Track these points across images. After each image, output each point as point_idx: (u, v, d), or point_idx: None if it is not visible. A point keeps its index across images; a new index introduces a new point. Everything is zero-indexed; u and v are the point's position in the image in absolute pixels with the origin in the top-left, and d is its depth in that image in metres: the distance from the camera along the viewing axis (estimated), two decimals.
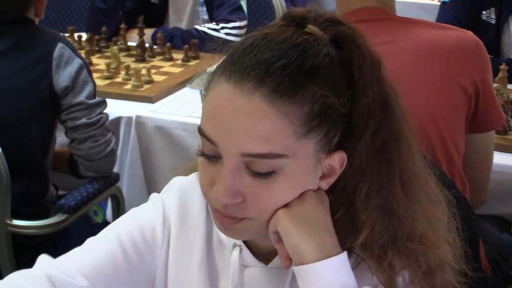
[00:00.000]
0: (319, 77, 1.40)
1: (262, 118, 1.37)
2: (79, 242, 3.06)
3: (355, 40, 1.47)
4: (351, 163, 1.46)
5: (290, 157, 1.38)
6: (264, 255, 1.59)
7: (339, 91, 1.42)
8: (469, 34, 2.58)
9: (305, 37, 1.43)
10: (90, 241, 1.66)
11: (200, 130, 1.43)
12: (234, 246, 1.59)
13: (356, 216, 1.48)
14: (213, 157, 1.43)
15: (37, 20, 3.12)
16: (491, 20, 3.47)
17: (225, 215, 1.45)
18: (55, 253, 2.88)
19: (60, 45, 3.04)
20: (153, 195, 1.75)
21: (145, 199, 3.10)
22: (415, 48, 2.52)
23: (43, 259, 1.60)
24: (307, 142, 1.39)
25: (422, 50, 2.53)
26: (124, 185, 3.31)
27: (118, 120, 3.34)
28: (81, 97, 3.06)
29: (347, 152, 1.45)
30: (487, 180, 2.73)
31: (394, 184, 1.47)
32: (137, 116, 3.36)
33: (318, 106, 1.38)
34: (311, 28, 1.45)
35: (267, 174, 1.39)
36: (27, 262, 2.08)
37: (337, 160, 1.45)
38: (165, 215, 1.66)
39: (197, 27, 4.12)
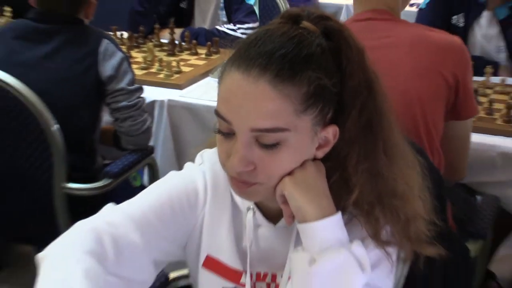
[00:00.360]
0: (313, 63, 1.44)
1: (267, 99, 1.40)
2: (121, 202, 3.06)
3: (342, 33, 1.50)
4: (342, 135, 1.49)
5: (292, 130, 1.42)
6: (272, 217, 1.62)
7: (330, 74, 1.45)
8: (457, 38, 2.60)
9: (300, 31, 1.46)
10: (142, 195, 1.66)
11: (216, 112, 1.47)
12: (248, 209, 1.61)
13: (348, 179, 1.51)
14: (228, 134, 1.46)
15: (87, 21, 3.11)
16: (460, 24, 3.46)
17: (240, 181, 1.49)
18: (104, 204, 2.89)
19: (105, 41, 3.04)
20: (190, 164, 1.75)
21: (175, 168, 3.12)
22: (410, 42, 2.54)
23: (106, 208, 1.63)
24: (305, 117, 1.43)
25: (415, 44, 2.55)
26: (158, 156, 3.32)
27: (153, 103, 3.34)
28: (122, 84, 3.06)
29: (339, 126, 1.48)
30: (466, 160, 2.74)
31: (378, 152, 1.51)
32: (169, 100, 3.36)
33: (313, 87, 1.42)
34: (305, 23, 1.48)
35: (273, 146, 1.43)
36: (80, 219, 2.08)
37: (331, 133, 1.48)
38: (205, 183, 1.67)
39: (218, 27, 4.12)
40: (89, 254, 1.42)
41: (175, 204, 1.63)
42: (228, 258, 1.66)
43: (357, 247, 1.48)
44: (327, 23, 1.50)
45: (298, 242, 1.53)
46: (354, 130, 1.49)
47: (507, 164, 2.81)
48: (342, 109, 1.49)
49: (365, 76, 1.50)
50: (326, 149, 1.51)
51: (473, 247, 2.55)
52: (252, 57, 1.42)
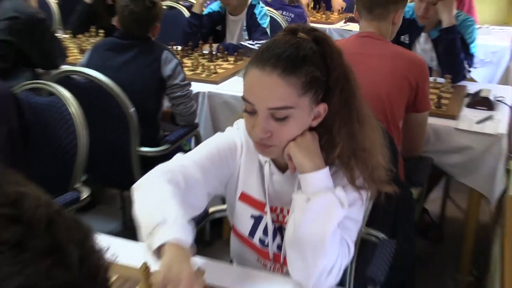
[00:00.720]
0: (308, 61, 1.47)
1: (278, 87, 1.45)
2: None
3: (326, 40, 1.53)
4: (329, 109, 1.53)
5: (296, 108, 1.47)
6: (282, 168, 1.66)
7: (320, 68, 1.49)
8: (421, 58, 2.69)
9: (297, 39, 1.50)
10: (199, 148, 1.71)
11: (243, 98, 1.51)
12: (265, 162, 1.65)
13: (333, 140, 1.54)
14: (252, 112, 1.50)
15: (153, 38, 3.10)
16: (406, 41, 3.46)
17: (261, 144, 1.53)
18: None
19: (165, 51, 3.03)
20: (230, 128, 1.77)
21: (211, 135, 3.08)
22: (390, 56, 2.55)
23: (177, 156, 1.69)
24: (305, 98, 1.48)
25: (393, 57, 2.55)
26: (201, 129, 3.31)
27: (197, 94, 3.31)
28: (177, 81, 3.05)
29: (327, 103, 1.52)
30: (422, 142, 2.74)
31: (353, 120, 1.53)
32: (208, 92, 3.34)
33: (309, 78, 1.46)
34: (300, 34, 1.51)
35: (283, 119, 1.48)
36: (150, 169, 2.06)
37: (322, 108, 1.53)
38: (241, 142, 1.71)
39: (242, 43, 4.11)
40: (170, 183, 1.50)
41: (222, 155, 1.67)
42: (256, 194, 1.69)
43: (339, 191, 1.50)
44: (315, 34, 1.52)
45: (299, 186, 1.54)
46: (337, 106, 1.51)
47: (437, 137, 2.78)
48: (329, 92, 1.51)
49: (343, 69, 1.52)
50: (319, 120, 1.54)
51: (415, 192, 2.54)
52: (265, 58, 1.46)
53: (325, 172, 1.50)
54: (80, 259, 0.67)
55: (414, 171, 2.59)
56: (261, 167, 1.67)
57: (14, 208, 0.64)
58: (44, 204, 0.67)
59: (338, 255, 1.49)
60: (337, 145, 1.52)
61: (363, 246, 1.85)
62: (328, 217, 1.47)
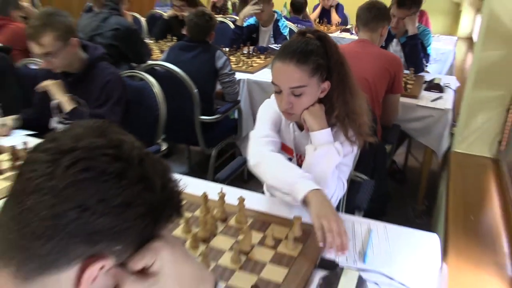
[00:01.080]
0: (314, 53, 1.45)
1: (294, 73, 1.44)
2: (225, 125, 3.02)
3: (326, 37, 1.50)
4: (331, 85, 1.49)
5: (308, 86, 1.46)
6: (301, 128, 1.61)
7: (323, 57, 1.46)
8: (398, 56, 2.65)
9: (306, 38, 1.48)
10: (260, 121, 1.66)
11: (272, 82, 1.50)
12: (290, 123, 1.61)
13: (333, 106, 1.51)
14: (278, 92, 1.47)
15: (210, 41, 3.05)
16: (383, 44, 3.37)
17: (286, 113, 1.53)
18: (216, 130, 2.83)
19: (218, 51, 2.98)
20: (268, 100, 1.69)
21: (249, 110, 3.03)
22: (377, 55, 2.51)
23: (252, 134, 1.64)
24: (314, 79, 1.44)
25: (379, 55, 2.52)
26: (242, 104, 3.26)
27: (239, 80, 3.25)
28: (226, 71, 3.00)
29: (329, 81, 1.49)
30: (396, 115, 2.69)
31: (347, 92, 1.50)
32: (247, 79, 3.28)
33: (316, 65, 1.44)
34: (308, 35, 1.50)
35: (300, 95, 1.46)
36: (207, 135, 2.03)
37: (326, 85, 1.48)
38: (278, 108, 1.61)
39: (270, 45, 4.06)
40: (274, 151, 1.56)
41: (274, 119, 1.65)
42: (288, 143, 1.66)
43: (337, 144, 1.49)
44: (318, 33, 1.50)
45: (310, 141, 1.53)
46: (335, 82, 1.49)
47: (404, 110, 2.73)
48: (330, 72, 1.48)
49: (339, 57, 1.49)
50: (324, 93, 1.51)
51: (388, 148, 2.51)
52: (285, 54, 1.45)
53: (327, 131, 1.49)
54: (161, 186, 0.67)
55: (388, 134, 2.57)
56: (288, 126, 1.66)
57: (116, 150, 0.64)
58: (137, 147, 0.67)
59: (336, 188, 1.50)
60: (335, 109, 1.50)
61: (352, 184, 1.84)
62: (328, 161, 1.48)
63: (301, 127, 1.61)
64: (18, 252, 0.60)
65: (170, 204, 0.69)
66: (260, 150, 1.56)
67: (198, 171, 3.63)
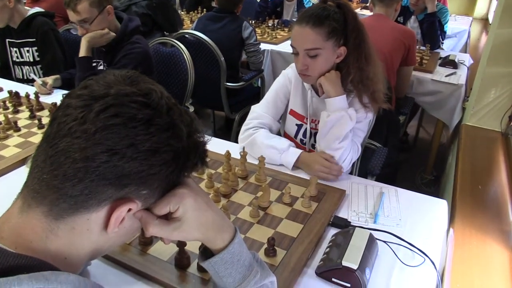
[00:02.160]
0: (330, 18, 1.38)
1: (310, 36, 1.39)
2: (249, 92, 2.97)
3: (346, 5, 1.43)
4: (347, 51, 1.43)
5: (323, 49, 1.40)
6: (318, 93, 1.54)
7: (339, 23, 1.40)
8: (411, 29, 2.59)
9: (324, 5, 1.43)
10: (267, 95, 1.65)
11: (291, 45, 1.46)
12: (308, 89, 1.54)
13: (348, 72, 1.46)
14: (296, 54, 1.46)
15: (237, 13, 2.97)
16: (401, 21, 3.26)
17: (302, 74, 1.48)
18: (240, 96, 2.79)
19: (244, 22, 2.90)
20: (284, 71, 1.66)
21: (271, 79, 2.98)
22: (392, 28, 2.43)
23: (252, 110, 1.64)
24: (329, 42, 1.38)
25: (393, 28, 2.44)
26: (265, 73, 3.20)
27: (264, 50, 3.18)
28: (251, 41, 2.93)
29: (346, 47, 1.43)
30: (407, 86, 2.61)
31: (362, 58, 1.43)
32: (271, 49, 3.22)
33: (331, 28, 1.39)
34: (329, 2, 1.44)
35: (314, 56, 1.41)
36: (232, 100, 1.99)
37: (342, 50, 1.39)
38: (291, 76, 1.62)
39: (293, 19, 3.96)
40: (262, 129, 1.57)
41: (279, 91, 1.63)
42: (299, 110, 1.62)
43: (351, 111, 1.43)
44: (339, 2, 1.44)
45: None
46: (351, 48, 1.43)
47: (419, 84, 2.64)
48: (347, 39, 1.42)
49: (357, 24, 1.42)
50: (341, 58, 1.45)
51: (401, 118, 2.45)
52: (302, 18, 1.41)
53: (342, 98, 1.44)
54: (187, 134, 0.64)
55: (402, 105, 2.49)
56: (304, 92, 1.60)
57: (145, 98, 0.61)
58: (166, 97, 0.64)
59: (350, 150, 1.45)
60: (350, 74, 1.45)
61: (366, 151, 1.79)
62: (341, 126, 1.43)
63: (317, 92, 1.55)
64: (51, 192, 0.59)
65: (195, 153, 0.66)
66: (248, 135, 1.56)
67: (222, 135, 3.63)
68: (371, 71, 1.45)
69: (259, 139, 1.53)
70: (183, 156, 0.64)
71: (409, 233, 1.18)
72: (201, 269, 1.01)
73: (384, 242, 1.15)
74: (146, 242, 1.09)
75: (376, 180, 1.58)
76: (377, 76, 1.46)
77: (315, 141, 1.60)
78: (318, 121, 1.57)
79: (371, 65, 1.45)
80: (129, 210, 0.62)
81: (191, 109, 2.42)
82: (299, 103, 1.61)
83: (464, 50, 4.25)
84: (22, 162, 1.47)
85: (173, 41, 2.49)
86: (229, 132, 3.06)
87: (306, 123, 1.61)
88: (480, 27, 5.85)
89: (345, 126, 1.43)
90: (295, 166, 1.48)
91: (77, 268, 0.63)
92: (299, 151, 1.48)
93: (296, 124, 1.64)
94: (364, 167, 1.70)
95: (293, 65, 1.61)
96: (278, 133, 1.66)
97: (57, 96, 2.07)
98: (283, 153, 1.49)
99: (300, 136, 1.64)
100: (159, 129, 0.60)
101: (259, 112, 1.61)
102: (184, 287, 0.96)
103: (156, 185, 0.63)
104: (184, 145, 0.63)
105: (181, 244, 1.01)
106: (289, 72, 1.63)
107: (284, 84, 1.63)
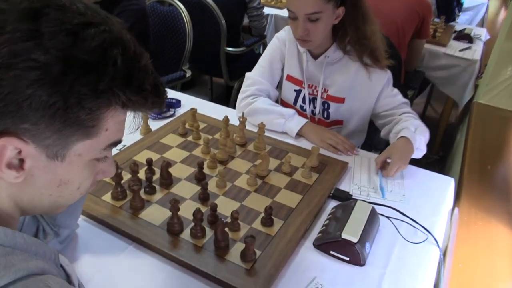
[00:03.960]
0: None
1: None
2: (250, 59, 2.93)
3: None
4: (345, 11, 1.42)
5: (324, 12, 1.37)
6: (314, 56, 1.55)
7: None
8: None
9: None
10: (260, 59, 1.64)
11: (288, 8, 1.42)
12: (303, 52, 1.52)
13: (346, 32, 1.46)
14: (294, 18, 1.41)
15: None
16: None
17: (302, 40, 1.45)
18: (240, 62, 2.75)
19: None
20: (277, 34, 1.65)
21: None
22: None
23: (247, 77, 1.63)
24: (329, 4, 1.38)
25: None
26: (268, 39, 3.15)
27: (267, 15, 3.15)
28: (255, 4, 2.88)
29: (344, 7, 1.41)
30: (418, 59, 2.59)
31: (359, 18, 1.43)
32: (275, 14, 3.17)
33: None
34: None
35: (315, 20, 1.38)
36: (232, 66, 1.94)
37: (341, 10, 1.42)
38: (285, 39, 1.60)
39: None
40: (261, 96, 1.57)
41: (273, 55, 1.62)
42: (296, 75, 1.60)
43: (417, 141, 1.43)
44: None
45: (325, 69, 1.51)
46: (349, 8, 1.41)
47: (431, 57, 2.62)
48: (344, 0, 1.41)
49: None
50: (339, 19, 1.43)
51: (410, 93, 2.43)
52: None
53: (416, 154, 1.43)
54: (134, 53, 0.55)
55: (411, 79, 2.48)
56: (299, 56, 1.58)
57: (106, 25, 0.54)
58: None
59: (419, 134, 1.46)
60: (347, 35, 1.46)
61: (372, 125, 1.77)
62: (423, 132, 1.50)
63: (314, 56, 1.54)
64: None
65: (102, 72, 0.52)
66: (247, 104, 1.55)
67: (220, 103, 3.56)
68: (368, 29, 1.44)
69: (261, 105, 1.52)
70: (69, 78, 0.51)
71: (413, 210, 1.19)
72: (194, 235, 1.01)
73: (387, 217, 1.16)
74: (137, 206, 1.09)
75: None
76: (375, 34, 1.46)
77: (314, 107, 1.61)
78: (315, 86, 1.58)
79: (368, 23, 1.43)
80: (20, 151, 0.54)
81: (189, 73, 2.39)
82: (295, 67, 1.60)
83: (481, 24, 4.20)
84: None
85: (171, 0, 2.44)
86: (228, 100, 3.04)
87: (304, 88, 1.59)
88: (499, 1, 5.77)
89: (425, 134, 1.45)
90: (298, 135, 1.48)
91: (5, 222, 0.58)
92: (306, 119, 1.50)
93: (295, 90, 1.63)
94: (369, 141, 1.70)
95: (287, 28, 1.59)
96: (276, 102, 1.65)
97: None
98: (288, 119, 1.49)
99: (299, 102, 1.64)
100: (21, 37, 0.49)
101: (255, 78, 1.60)
102: (176, 253, 0.97)
103: (37, 119, 0.52)
104: (87, 59, 0.51)
105: (174, 209, 1.01)
106: (283, 35, 1.61)
107: (278, 47, 1.61)
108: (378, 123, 1.58)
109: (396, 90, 1.55)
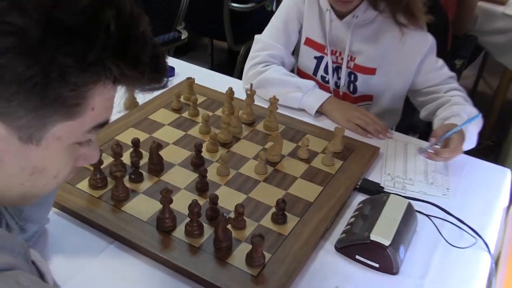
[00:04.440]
0: None
1: None
2: (260, 18, 2.91)
3: None
4: None
5: None
6: (339, 16, 1.52)
7: None
8: None
9: None
10: (273, 18, 1.64)
11: None
12: (326, 10, 1.50)
13: None
14: None
15: None
16: None
17: (341, 1, 1.44)
18: (248, 22, 2.74)
19: None
20: None
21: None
22: None
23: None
24: None
25: None
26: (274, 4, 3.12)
27: None
28: None
29: None
30: (470, 22, 2.54)
31: None
32: None
33: None
34: None
35: None
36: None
37: None
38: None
39: None
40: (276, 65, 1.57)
41: (290, 12, 1.61)
42: (317, 38, 1.59)
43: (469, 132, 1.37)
44: None
45: (352, 32, 1.50)
46: None
47: (485, 18, 2.59)
48: None
49: None
50: None
51: (458, 63, 2.40)
52: None
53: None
54: (131, 16, 0.55)
55: (460, 46, 2.44)
56: (321, 15, 1.56)
57: None
58: None
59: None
60: None
61: (408, 103, 1.76)
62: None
63: (339, 15, 1.52)
64: None
65: (90, 40, 0.52)
66: (256, 73, 1.54)
67: (222, 72, 3.57)
68: None
69: (273, 75, 1.51)
70: (66, 48, 0.51)
71: (458, 207, 1.19)
72: (189, 233, 1.02)
73: (426, 215, 1.16)
74: (119, 197, 1.10)
75: (420, 138, 1.57)
76: None
77: (338, 78, 1.59)
78: (340, 52, 1.56)
79: None
80: None
81: (184, 34, 2.38)
82: (316, 29, 1.58)
83: None
84: None
85: None
86: (232, 69, 3.04)
87: (327, 54, 1.58)
88: None
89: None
90: (319, 112, 1.48)
91: None
92: (328, 93, 1.49)
93: (315, 57, 1.62)
94: (406, 121, 1.69)
95: None
96: (292, 72, 1.64)
97: None
98: (306, 93, 1.48)
99: (321, 72, 1.63)
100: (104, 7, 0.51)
101: (267, 42, 1.59)
102: (167, 255, 0.98)
103: (10, 95, 0.52)
104: (72, 24, 0.51)
105: (165, 201, 1.01)
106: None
107: (296, 4, 1.59)
108: (417, 101, 1.57)
109: (441, 62, 1.52)
